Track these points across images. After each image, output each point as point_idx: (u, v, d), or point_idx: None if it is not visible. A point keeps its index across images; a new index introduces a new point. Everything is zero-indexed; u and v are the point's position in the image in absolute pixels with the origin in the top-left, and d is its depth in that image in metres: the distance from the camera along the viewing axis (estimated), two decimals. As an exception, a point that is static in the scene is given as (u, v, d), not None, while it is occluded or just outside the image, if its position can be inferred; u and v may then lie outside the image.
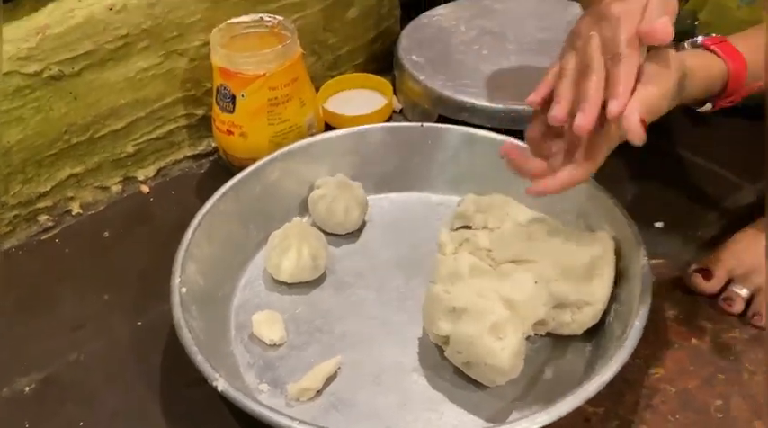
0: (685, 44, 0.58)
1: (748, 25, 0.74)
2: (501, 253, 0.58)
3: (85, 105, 0.71)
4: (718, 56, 0.56)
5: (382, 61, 0.92)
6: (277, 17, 0.74)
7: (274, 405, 0.52)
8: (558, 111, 0.50)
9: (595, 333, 0.58)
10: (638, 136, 0.47)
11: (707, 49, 0.56)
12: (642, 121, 0.47)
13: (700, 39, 0.58)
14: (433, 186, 0.73)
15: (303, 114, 0.75)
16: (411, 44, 0.89)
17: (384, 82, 0.88)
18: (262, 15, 0.74)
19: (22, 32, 0.66)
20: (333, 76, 0.88)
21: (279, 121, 0.73)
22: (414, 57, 0.87)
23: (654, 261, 0.65)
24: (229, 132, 0.74)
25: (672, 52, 0.50)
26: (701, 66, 0.55)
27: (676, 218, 0.70)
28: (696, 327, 0.60)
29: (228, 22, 0.73)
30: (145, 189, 0.78)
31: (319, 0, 0.83)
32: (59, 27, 0.67)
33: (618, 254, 0.59)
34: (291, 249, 0.63)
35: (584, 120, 0.48)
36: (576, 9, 0.93)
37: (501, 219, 0.61)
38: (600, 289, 0.57)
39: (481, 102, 0.79)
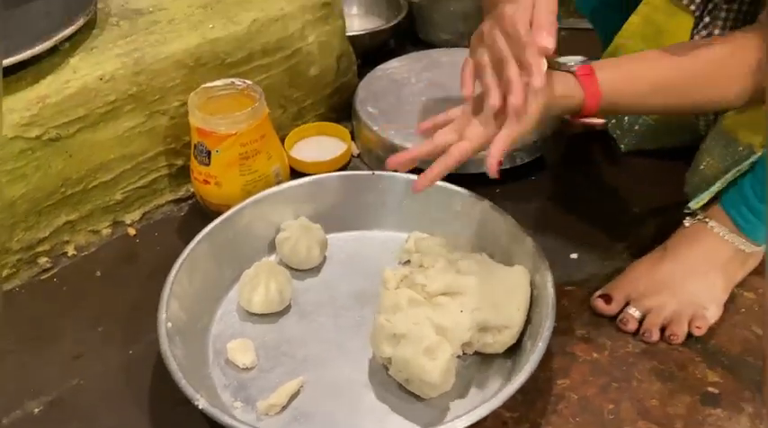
0: (563, 65, 0.69)
1: None
2: (434, 287, 0.69)
3: (79, 161, 0.82)
4: (581, 88, 0.67)
5: (342, 111, 1.04)
6: (246, 81, 0.86)
7: (247, 420, 0.63)
8: (495, 100, 0.63)
9: (514, 350, 0.70)
10: (492, 173, 0.64)
11: (572, 73, 0.68)
12: (499, 162, 0.64)
13: (574, 65, 0.69)
14: (384, 225, 0.85)
15: (270, 165, 0.86)
16: (367, 95, 1.01)
17: (343, 130, 1.00)
18: (233, 80, 0.86)
19: (23, 102, 0.76)
20: (297, 125, 1.00)
21: (249, 172, 0.84)
22: (369, 108, 0.99)
23: (568, 287, 0.78)
24: (206, 182, 0.85)
25: (537, 96, 0.64)
26: (564, 96, 0.67)
27: (589, 250, 0.83)
28: (598, 344, 0.72)
29: (204, 86, 0.84)
30: (132, 231, 0.89)
31: (284, 61, 0.94)
32: (57, 96, 0.78)
33: (532, 284, 0.71)
34: (261, 285, 0.74)
35: (518, 100, 0.62)
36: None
37: (435, 259, 0.73)
38: (516, 314, 0.69)
39: (426, 150, 0.91)
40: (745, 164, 0.72)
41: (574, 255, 0.82)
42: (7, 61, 0.75)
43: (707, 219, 0.75)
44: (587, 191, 0.92)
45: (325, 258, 0.82)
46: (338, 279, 0.80)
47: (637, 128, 0.90)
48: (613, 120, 0.93)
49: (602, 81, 0.67)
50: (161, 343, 0.65)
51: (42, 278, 0.83)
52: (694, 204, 0.76)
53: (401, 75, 1.05)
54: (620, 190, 0.91)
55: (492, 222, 0.78)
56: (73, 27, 0.81)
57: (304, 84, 0.98)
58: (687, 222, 0.76)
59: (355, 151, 0.99)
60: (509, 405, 0.63)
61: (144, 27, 0.87)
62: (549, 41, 0.62)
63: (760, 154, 0.70)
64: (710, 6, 0.76)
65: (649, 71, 0.69)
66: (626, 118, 0.91)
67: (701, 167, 0.78)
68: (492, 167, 0.64)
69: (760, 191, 0.70)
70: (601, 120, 0.96)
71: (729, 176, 0.73)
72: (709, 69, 0.68)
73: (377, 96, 1.01)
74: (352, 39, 1.07)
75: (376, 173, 0.85)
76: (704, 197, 0.75)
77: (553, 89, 0.66)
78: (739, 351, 0.71)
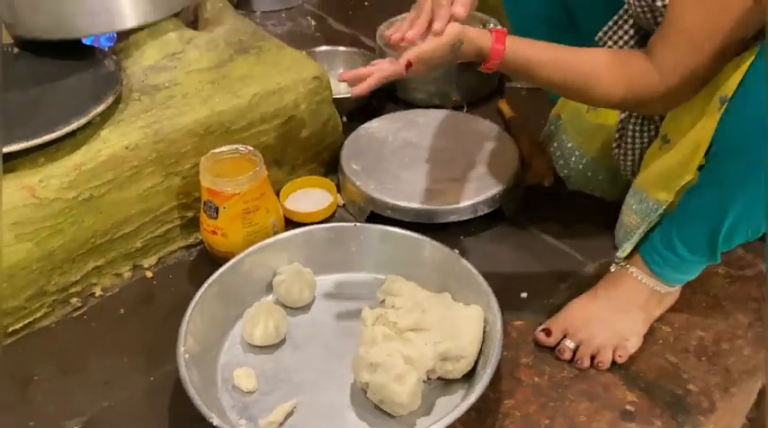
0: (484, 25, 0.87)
1: (596, 126, 1.04)
2: (403, 324, 0.85)
3: (107, 216, 0.97)
4: (491, 40, 0.83)
5: (329, 165, 1.20)
6: (248, 147, 1.01)
7: (251, 434, 0.78)
8: (439, 26, 0.81)
9: (470, 376, 0.85)
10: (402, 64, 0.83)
11: (490, 31, 0.84)
12: (408, 62, 0.82)
13: (491, 25, 0.89)
14: (364, 269, 1.00)
15: (268, 218, 1.01)
16: (351, 153, 1.17)
17: (330, 183, 1.16)
18: (237, 146, 1.01)
19: (63, 169, 0.92)
20: (291, 180, 1.15)
21: (250, 225, 0.99)
22: (353, 165, 1.15)
23: (517, 322, 0.94)
24: (213, 232, 1.00)
25: (456, 25, 0.82)
26: (477, 38, 0.83)
27: (536, 289, 0.99)
28: (539, 370, 0.88)
29: (212, 151, 1.00)
30: (149, 274, 1.04)
31: (280, 126, 1.10)
32: (91, 164, 0.93)
33: (485, 320, 0.87)
34: (261, 322, 0.89)
35: (441, 25, 0.82)
36: (481, 123, 1.22)
37: (405, 300, 0.88)
38: (471, 346, 0.84)
39: (401, 203, 1.07)
40: (654, 217, 0.88)
41: (524, 294, 0.98)
42: (50, 136, 0.91)
43: (628, 266, 0.90)
44: (538, 239, 1.08)
45: (314, 298, 0.97)
46: (326, 316, 0.95)
47: (581, 167, 1.08)
48: (561, 162, 1.10)
49: (508, 42, 0.84)
50: (180, 371, 0.80)
51: (74, 315, 0.98)
52: (620, 254, 0.92)
53: (381, 134, 1.22)
54: (566, 237, 1.07)
55: (453, 267, 0.93)
56: (103, 105, 0.96)
57: (297, 144, 1.14)
58: (613, 268, 0.92)
59: (341, 202, 1.15)
60: (464, 419, 0.78)
61: (161, 102, 1.03)
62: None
63: (665, 207, 0.87)
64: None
65: (547, 50, 0.85)
66: (572, 159, 1.08)
67: (624, 221, 0.94)
68: (402, 61, 0.83)
69: (667, 241, 0.86)
70: (551, 178, 1.13)
71: (643, 229, 0.89)
72: (587, 68, 0.84)
73: (359, 154, 1.17)
74: (340, 100, 1.22)
75: (357, 225, 1.00)
76: (627, 247, 0.92)
77: (470, 32, 0.83)
78: (654, 376, 0.87)
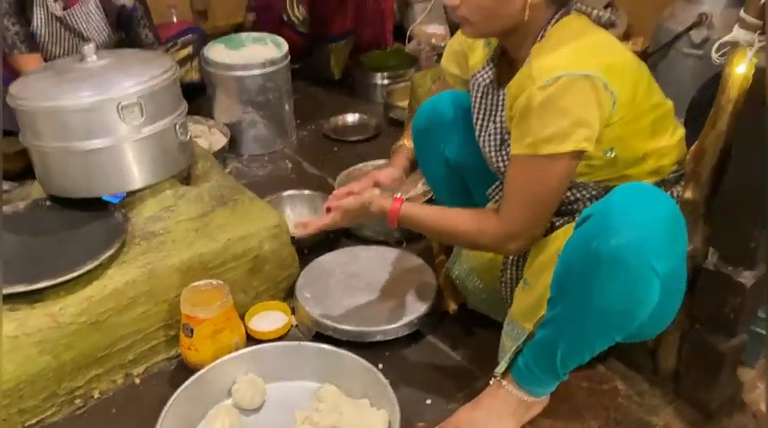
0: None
1: (488, 260, 1.34)
2: (324, 424, 1.12)
3: (108, 335, 1.26)
4: (391, 204, 1.17)
5: (287, 291, 1.50)
6: (220, 282, 1.32)
7: None
8: (357, 187, 1.25)
9: (375, 466, 1.11)
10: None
11: (393, 198, 1.18)
12: (328, 208, 1.20)
13: (397, 195, 1.22)
14: (306, 378, 1.27)
15: (232, 338, 1.31)
16: (304, 282, 1.48)
17: (286, 307, 1.45)
18: (211, 281, 1.32)
19: (78, 300, 1.22)
20: (254, 304, 1.45)
21: (217, 343, 1.28)
22: (305, 293, 1.45)
23: (419, 424, 1.20)
24: (189, 348, 1.29)
25: (371, 191, 1.21)
26: (382, 201, 1.17)
27: (439, 397, 1.25)
28: (432, 462, 1.14)
29: (192, 285, 1.31)
30: (137, 381, 1.32)
31: (247, 263, 1.41)
32: (98, 296, 1.24)
33: (390, 422, 1.13)
34: (219, 420, 1.17)
35: (358, 187, 1.26)
36: (412, 259, 1.53)
37: (328, 404, 1.16)
38: (376, 442, 1.11)
39: (339, 326, 1.36)
40: (521, 342, 1.16)
41: (428, 401, 1.25)
42: (70, 275, 1.22)
43: (502, 380, 1.18)
44: (447, 355, 1.36)
45: (264, 401, 1.25)
46: (272, 416, 1.22)
47: (477, 291, 1.37)
48: (461, 285, 1.39)
49: (404, 206, 1.16)
50: (154, 458, 1.07)
51: (77, 413, 1.25)
52: (497, 371, 1.20)
53: (330, 267, 1.53)
54: (468, 355, 1.35)
55: (371, 379, 1.21)
56: (111, 250, 1.28)
57: (260, 277, 1.45)
58: (492, 382, 1.20)
59: (294, 322, 1.44)
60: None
61: (156, 246, 1.35)
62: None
63: (528, 334, 1.15)
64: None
65: (429, 212, 1.18)
66: (470, 284, 1.37)
67: (503, 343, 1.23)
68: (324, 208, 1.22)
69: (526, 362, 1.13)
70: (455, 307, 1.42)
71: (513, 351, 1.17)
72: (457, 224, 1.14)
73: (311, 283, 1.47)
74: (300, 238, 1.55)
75: (300, 343, 1.29)
76: (502, 366, 1.19)
77: (378, 197, 1.18)
78: (520, 467, 1.13)
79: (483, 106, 1.18)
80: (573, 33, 1.04)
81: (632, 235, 0.95)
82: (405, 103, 2.20)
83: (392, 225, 1.19)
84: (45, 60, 1.87)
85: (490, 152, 1.16)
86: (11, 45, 1.79)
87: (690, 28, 1.94)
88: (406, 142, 1.36)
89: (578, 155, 1.03)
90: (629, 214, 0.97)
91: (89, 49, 1.39)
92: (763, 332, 1.26)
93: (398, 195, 1.23)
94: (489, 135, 1.16)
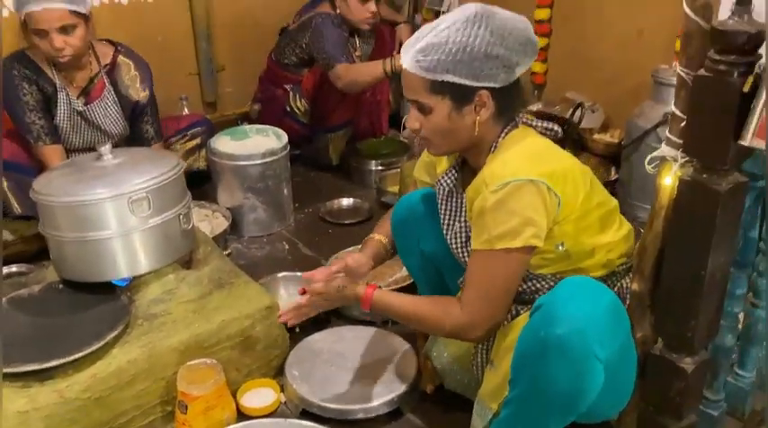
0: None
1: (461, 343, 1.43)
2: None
3: (109, 410, 1.37)
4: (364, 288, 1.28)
5: (278, 368, 1.61)
6: (213, 361, 1.44)
7: None
8: (332, 268, 1.38)
9: None
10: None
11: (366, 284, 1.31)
12: (303, 290, 1.33)
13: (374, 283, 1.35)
14: (290, 454, 1.38)
15: (224, 414, 1.41)
16: (293, 361, 1.59)
17: (276, 384, 1.56)
18: (205, 360, 1.44)
19: (84, 377, 1.34)
20: (246, 381, 1.56)
21: (210, 419, 1.39)
22: (293, 371, 1.56)
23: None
24: (183, 424, 1.39)
25: (345, 277, 1.34)
26: (356, 287, 1.30)
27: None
28: None
29: (188, 363, 1.42)
30: (135, 454, 1.42)
31: (240, 343, 1.53)
32: (102, 374, 1.36)
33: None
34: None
35: (333, 268, 1.39)
36: (395, 339, 1.65)
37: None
38: None
39: (323, 404, 1.47)
40: (487, 420, 1.26)
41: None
42: (78, 355, 1.34)
43: (473, 456, 1.28)
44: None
45: (250, 476, 1.34)
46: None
47: (452, 372, 1.47)
48: (438, 365, 1.49)
49: (376, 293, 1.28)
50: None
51: (79, 483, 1.34)
52: (467, 448, 1.30)
53: (318, 347, 1.64)
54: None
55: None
56: (116, 332, 1.41)
57: (252, 355, 1.56)
58: (460, 458, 1.30)
59: (283, 399, 1.54)
60: None
61: (157, 327, 1.47)
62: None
63: (491, 412, 1.25)
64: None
65: (399, 299, 1.29)
66: (446, 364, 1.47)
67: (473, 423, 1.32)
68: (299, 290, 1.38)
69: None
70: (431, 387, 1.52)
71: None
72: (424, 312, 1.26)
73: (299, 362, 1.59)
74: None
75: (288, 420, 1.40)
76: (470, 441, 1.29)
77: (352, 284, 1.30)
78: None
79: (448, 207, 1.32)
80: (520, 145, 1.20)
81: (575, 324, 1.07)
82: (395, 189, 2.37)
83: (365, 309, 1.31)
84: (66, 148, 2.06)
85: (457, 248, 1.30)
86: (36, 137, 1.98)
87: (657, 125, 2.12)
88: (376, 236, 1.50)
89: (529, 250, 1.17)
90: (572, 305, 1.09)
91: (105, 149, 1.56)
92: (715, 413, 1.35)
93: (372, 282, 1.36)
94: (455, 232, 1.30)
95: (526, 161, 1.17)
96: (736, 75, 0.97)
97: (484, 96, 1.19)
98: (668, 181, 1.11)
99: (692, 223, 1.08)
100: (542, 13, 2.89)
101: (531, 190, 1.13)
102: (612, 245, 1.25)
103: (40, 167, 1.96)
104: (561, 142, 1.29)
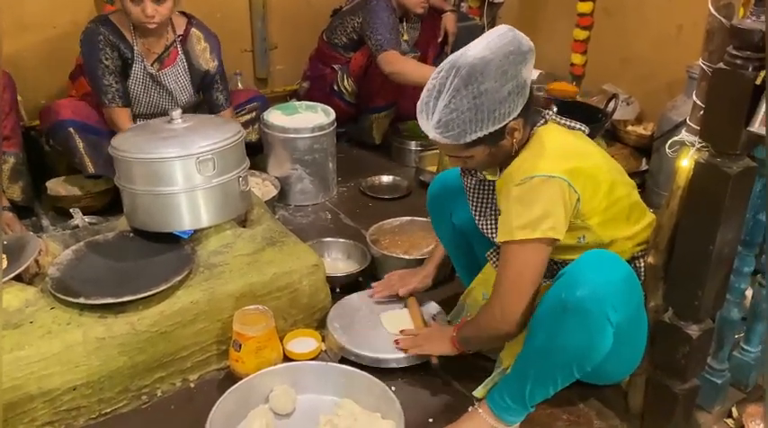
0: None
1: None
2: (342, 426, 1.37)
3: (172, 344, 1.55)
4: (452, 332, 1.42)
5: (320, 321, 1.77)
6: (265, 307, 1.60)
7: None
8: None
9: (381, 465, 1.35)
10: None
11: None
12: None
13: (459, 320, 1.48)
14: (330, 392, 1.52)
15: (272, 354, 1.58)
16: (334, 316, 1.75)
17: (318, 335, 1.72)
18: (257, 306, 1.60)
19: (153, 314, 1.52)
20: (292, 330, 1.72)
21: (260, 357, 1.56)
22: (334, 323, 1.72)
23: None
24: (236, 360, 1.57)
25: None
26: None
27: (440, 417, 1.49)
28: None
29: (243, 308, 1.59)
30: (192, 385, 1.59)
31: (288, 294, 1.69)
32: (169, 311, 1.53)
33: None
34: (257, 420, 1.43)
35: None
36: (429, 304, 1.79)
37: (346, 413, 1.41)
38: (383, 445, 1.35)
39: (360, 352, 1.62)
40: (496, 374, 1.41)
41: (430, 420, 1.49)
42: (147, 293, 1.52)
43: (478, 408, 1.41)
44: (450, 384, 1.60)
45: (295, 408, 1.50)
46: (300, 421, 1.48)
47: None
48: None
49: (457, 335, 1.43)
50: (204, 443, 1.33)
51: (142, 407, 1.53)
52: (474, 393, 1.44)
53: (357, 304, 1.80)
54: (466, 386, 1.58)
55: (384, 396, 1.46)
56: (181, 276, 1.58)
57: (298, 307, 1.73)
58: (470, 409, 1.44)
59: (323, 348, 1.71)
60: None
61: (216, 275, 1.64)
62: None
63: (502, 368, 1.39)
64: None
65: (476, 328, 1.41)
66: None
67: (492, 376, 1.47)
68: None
69: (499, 394, 1.37)
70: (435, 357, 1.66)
71: (488, 380, 1.42)
72: (482, 327, 1.40)
73: (340, 317, 1.74)
74: (334, 278, 1.83)
75: (328, 364, 1.56)
76: (478, 389, 1.44)
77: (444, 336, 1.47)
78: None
79: (478, 197, 1.45)
80: (547, 141, 1.31)
81: (593, 288, 1.21)
82: (434, 168, 2.50)
83: (459, 351, 1.48)
84: (133, 110, 2.23)
85: (491, 232, 1.42)
86: (110, 99, 2.14)
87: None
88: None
89: (549, 242, 1.27)
90: (592, 272, 1.22)
91: (177, 113, 1.73)
92: (718, 381, 1.47)
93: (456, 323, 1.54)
94: (487, 218, 1.43)
95: (550, 158, 1.27)
96: (750, 69, 1.08)
97: (514, 125, 1.27)
98: (685, 163, 1.23)
99: (703, 201, 1.20)
100: (585, 7, 2.98)
101: (552, 185, 1.24)
102: (634, 234, 1.36)
103: (111, 131, 2.14)
104: (595, 132, 1.41)
